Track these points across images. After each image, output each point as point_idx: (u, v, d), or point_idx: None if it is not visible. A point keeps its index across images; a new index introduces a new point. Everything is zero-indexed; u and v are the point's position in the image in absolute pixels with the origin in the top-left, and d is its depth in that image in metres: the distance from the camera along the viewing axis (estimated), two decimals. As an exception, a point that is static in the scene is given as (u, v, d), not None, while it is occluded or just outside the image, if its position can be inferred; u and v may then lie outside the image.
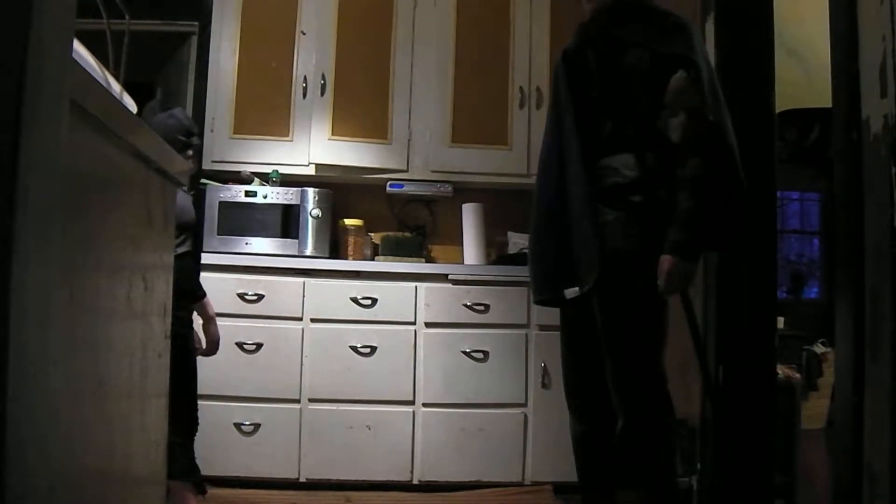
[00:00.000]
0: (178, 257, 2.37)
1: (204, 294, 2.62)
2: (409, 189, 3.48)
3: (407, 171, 3.44)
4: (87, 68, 1.08)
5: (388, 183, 3.46)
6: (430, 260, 3.59)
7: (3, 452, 0.64)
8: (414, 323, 3.14)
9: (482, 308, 3.17)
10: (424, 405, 3.11)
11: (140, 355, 1.17)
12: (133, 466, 1.17)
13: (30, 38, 0.67)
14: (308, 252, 3.29)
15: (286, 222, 3.30)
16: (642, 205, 2.02)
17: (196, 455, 2.57)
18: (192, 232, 2.59)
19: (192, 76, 3.47)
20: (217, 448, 2.90)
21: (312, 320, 3.12)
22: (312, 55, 3.40)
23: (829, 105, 2.07)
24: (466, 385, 3.12)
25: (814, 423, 3.61)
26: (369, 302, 3.14)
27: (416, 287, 3.16)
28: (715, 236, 2.04)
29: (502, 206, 3.59)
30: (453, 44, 3.46)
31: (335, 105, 3.38)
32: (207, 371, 2.71)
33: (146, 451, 1.26)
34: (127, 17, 1.80)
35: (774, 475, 2.58)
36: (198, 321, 2.64)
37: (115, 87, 1.32)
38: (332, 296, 3.13)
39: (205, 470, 2.65)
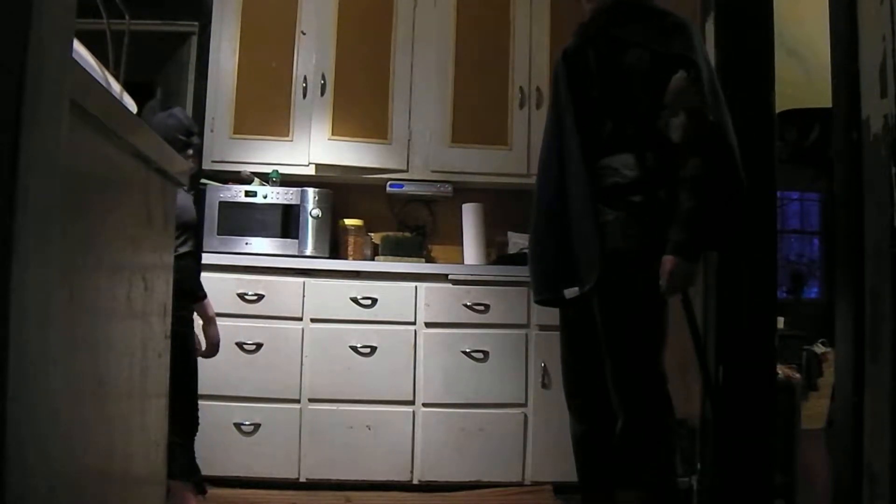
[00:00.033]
0: (179, 257, 2.37)
1: (204, 295, 2.62)
2: (409, 189, 3.48)
3: (407, 171, 3.44)
4: (87, 68, 1.08)
5: (388, 183, 3.46)
6: (430, 260, 3.59)
7: (3, 452, 0.64)
8: (414, 323, 3.14)
9: (482, 308, 3.17)
10: (424, 405, 3.11)
11: (140, 355, 1.17)
12: (133, 466, 1.17)
13: (30, 38, 0.67)
14: (308, 252, 3.29)
15: (286, 222, 3.30)
16: (642, 205, 2.02)
17: (196, 455, 2.57)
18: (193, 232, 2.59)
19: (192, 76, 3.47)
20: (217, 448, 2.90)
21: (312, 320, 3.12)
22: (312, 55, 3.40)
23: (829, 105, 2.07)
24: (466, 385, 3.12)
25: (814, 423, 3.61)
26: (369, 302, 3.14)
27: (416, 287, 3.16)
28: (716, 236, 2.05)
29: (502, 206, 3.59)
30: (453, 44, 3.46)
31: (335, 105, 3.38)
32: (207, 371, 2.71)
33: (146, 451, 1.26)
34: (127, 17, 1.80)
35: (774, 475, 2.58)
36: (198, 322, 2.64)
37: (115, 87, 1.32)
38: (332, 296, 3.13)
39: (205, 470, 2.65)
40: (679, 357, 2.43)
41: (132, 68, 1.81)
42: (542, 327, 3.12)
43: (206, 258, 2.83)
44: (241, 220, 3.28)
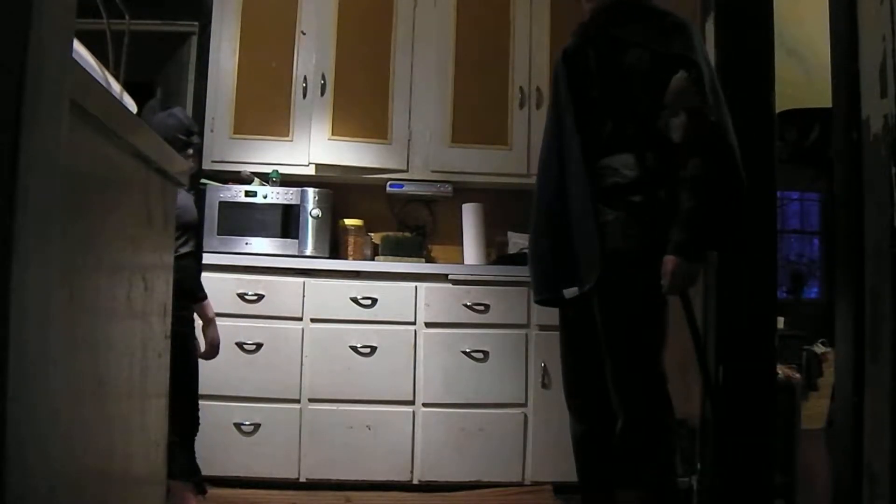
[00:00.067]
0: (180, 257, 2.38)
1: (205, 296, 2.61)
2: (409, 189, 3.48)
3: (407, 171, 3.44)
4: (87, 68, 1.08)
5: (388, 183, 3.46)
6: (430, 260, 3.59)
7: (3, 452, 0.64)
8: (414, 323, 3.14)
9: (482, 308, 3.17)
10: (424, 405, 3.11)
11: (140, 355, 1.17)
12: (133, 466, 1.17)
13: (30, 38, 0.67)
14: (308, 252, 3.29)
15: (286, 222, 3.30)
16: (642, 205, 2.02)
17: (196, 455, 2.57)
18: (194, 232, 2.59)
19: (192, 76, 3.47)
20: (217, 448, 2.90)
21: (312, 320, 3.12)
22: (312, 55, 3.40)
23: (829, 105, 2.07)
24: (466, 385, 3.12)
25: (814, 423, 3.61)
26: (369, 302, 3.14)
27: (416, 287, 3.16)
28: (717, 236, 2.05)
29: (502, 206, 3.59)
30: (453, 44, 3.46)
31: (335, 105, 3.38)
32: (207, 371, 2.71)
33: (146, 451, 1.26)
34: (127, 17, 1.80)
35: (774, 475, 2.58)
36: (197, 323, 2.64)
37: (115, 87, 1.32)
38: (332, 296, 3.13)
39: (205, 470, 2.65)
40: (679, 357, 2.43)
41: (132, 68, 1.81)
42: (542, 327, 3.12)
43: (207, 258, 2.83)
44: (241, 220, 3.28)
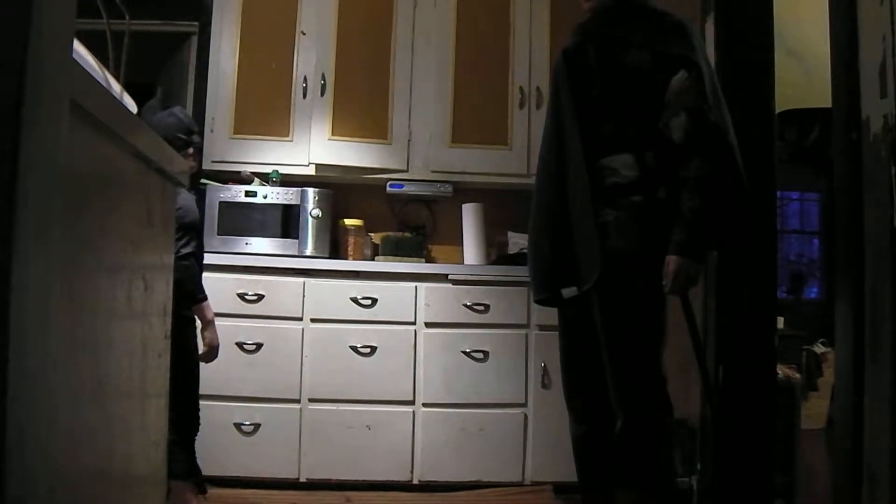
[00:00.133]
0: (181, 258, 2.38)
1: (204, 297, 2.61)
2: (409, 189, 3.48)
3: (407, 171, 3.44)
4: (87, 68, 1.08)
5: (388, 183, 3.46)
6: (430, 260, 3.59)
7: (3, 452, 0.64)
8: (414, 323, 3.14)
9: (482, 308, 3.17)
10: (424, 405, 3.11)
11: (140, 355, 1.17)
12: (133, 466, 1.17)
13: (30, 38, 0.67)
14: (308, 252, 3.29)
15: (286, 222, 3.30)
16: (642, 205, 2.02)
17: (196, 455, 2.57)
18: (195, 232, 2.59)
19: (192, 76, 3.47)
20: (217, 448, 2.90)
21: (312, 320, 3.12)
22: (312, 55, 3.39)
23: (829, 105, 2.07)
24: (466, 385, 3.12)
25: (814, 423, 3.60)
26: (369, 302, 3.14)
27: (416, 287, 3.16)
28: (718, 236, 2.05)
29: (502, 206, 3.59)
30: (453, 44, 3.46)
31: (335, 105, 3.38)
32: (207, 371, 2.71)
33: (146, 451, 1.26)
34: (127, 17, 1.80)
35: (774, 475, 2.58)
36: (197, 325, 2.63)
37: (115, 87, 1.32)
38: (332, 296, 3.13)
39: (205, 470, 2.65)
40: (679, 357, 2.43)
41: (132, 68, 1.81)
42: (542, 327, 3.12)
43: (206, 258, 2.82)
44: (241, 220, 3.28)
